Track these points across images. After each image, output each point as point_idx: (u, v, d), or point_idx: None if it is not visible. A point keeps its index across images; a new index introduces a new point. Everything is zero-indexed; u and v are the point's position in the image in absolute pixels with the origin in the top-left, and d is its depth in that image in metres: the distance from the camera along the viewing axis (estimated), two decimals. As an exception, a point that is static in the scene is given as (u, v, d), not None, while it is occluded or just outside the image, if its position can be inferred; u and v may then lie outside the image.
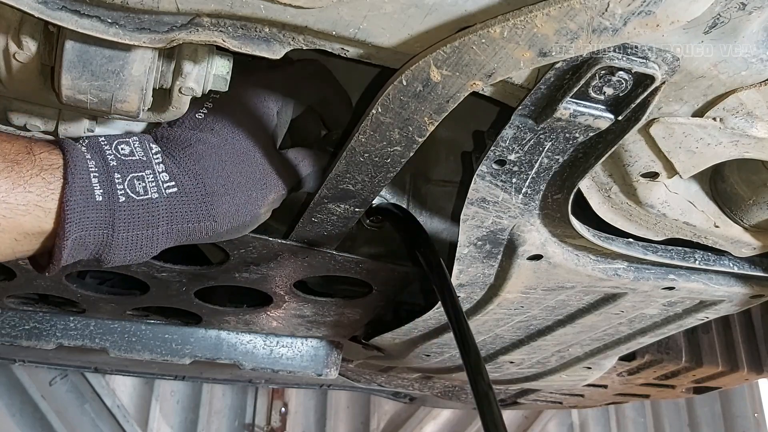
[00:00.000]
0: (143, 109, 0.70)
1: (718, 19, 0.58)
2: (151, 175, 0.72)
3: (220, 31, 0.61)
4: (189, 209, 0.74)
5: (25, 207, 0.65)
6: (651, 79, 0.63)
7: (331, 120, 0.94)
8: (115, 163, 0.71)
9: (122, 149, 0.73)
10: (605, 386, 2.14)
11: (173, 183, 0.73)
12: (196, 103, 0.81)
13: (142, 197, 0.71)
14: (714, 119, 0.70)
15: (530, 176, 0.83)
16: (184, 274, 1.16)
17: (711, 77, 0.65)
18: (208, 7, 0.59)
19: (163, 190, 0.73)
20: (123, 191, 0.70)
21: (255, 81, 0.85)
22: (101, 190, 0.69)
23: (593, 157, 0.77)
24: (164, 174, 0.73)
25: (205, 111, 0.81)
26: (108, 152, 0.72)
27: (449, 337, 1.38)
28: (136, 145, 0.74)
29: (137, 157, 0.73)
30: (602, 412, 4.50)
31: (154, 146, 0.75)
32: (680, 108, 0.70)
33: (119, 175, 0.71)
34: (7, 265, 1.13)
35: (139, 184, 0.71)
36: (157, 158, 0.74)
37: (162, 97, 0.72)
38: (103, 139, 0.74)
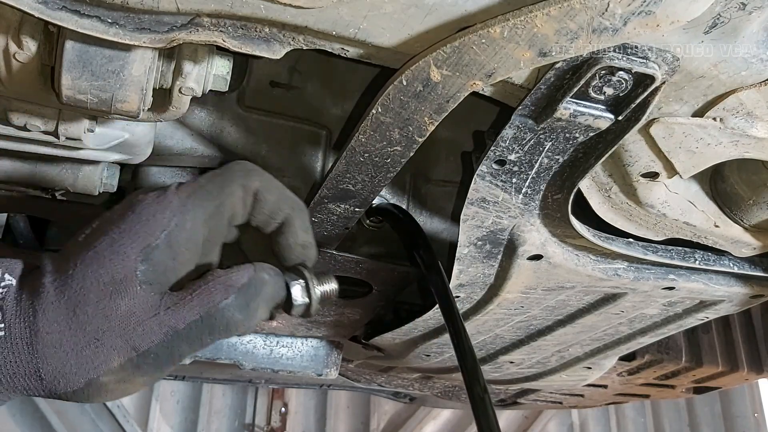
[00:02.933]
0: (143, 109, 0.70)
1: (718, 19, 0.58)
2: None
3: (220, 31, 0.61)
4: (15, 360, 0.61)
5: None
6: (651, 79, 0.63)
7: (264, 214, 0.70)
8: None
9: None
10: (605, 386, 2.14)
11: (3, 325, 0.61)
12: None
13: None
14: (714, 119, 0.70)
15: (530, 176, 0.83)
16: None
17: (711, 77, 0.65)
18: (208, 7, 0.59)
19: None
20: None
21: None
22: None
23: (593, 157, 0.77)
24: None
25: (94, 226, 0.66)
26: None
27: (449, 337, 1.38)
28: None
29: None
30: (602, 412, 4.50)
31: (9, 278, 0.64)
32: (680, 108, 0.70)
33: None
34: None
35: None
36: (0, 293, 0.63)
37: (162, 97, 0.72)
38: None
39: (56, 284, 0.62)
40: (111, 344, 0.62)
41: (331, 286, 0.70)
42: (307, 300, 0.68)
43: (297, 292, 0.67)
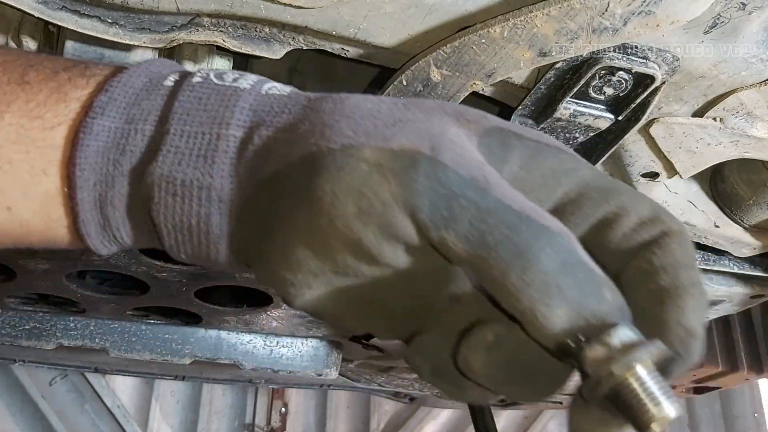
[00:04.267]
0: (143, 109, 0.70)
1: (718, 19, 0.58)
2: None
3: (220, 31, 0.61)
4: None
5: None
6: (651, 79, 0.63)
7: None
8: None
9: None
10: (605, 386, 2.14)
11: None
12: None
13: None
14: (714, 119, 0.70)
15: (530, 176, 0.83)
16: (184, 274, 1.16)
17: (711, 77, 0.65)
18: (208, 7, 0.58)
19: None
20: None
21: None
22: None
23: (593, 157, 0.77)
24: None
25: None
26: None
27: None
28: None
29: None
30: (602, 412, 4.49)
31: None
32: (680, 108, 0.70)
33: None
34: (8, 265, 1.13)
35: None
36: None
37: (162, 97, 0.72)
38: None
39: None
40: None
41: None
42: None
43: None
